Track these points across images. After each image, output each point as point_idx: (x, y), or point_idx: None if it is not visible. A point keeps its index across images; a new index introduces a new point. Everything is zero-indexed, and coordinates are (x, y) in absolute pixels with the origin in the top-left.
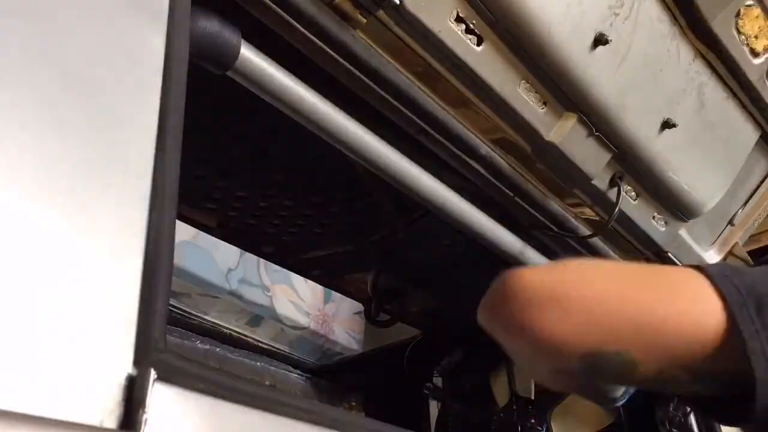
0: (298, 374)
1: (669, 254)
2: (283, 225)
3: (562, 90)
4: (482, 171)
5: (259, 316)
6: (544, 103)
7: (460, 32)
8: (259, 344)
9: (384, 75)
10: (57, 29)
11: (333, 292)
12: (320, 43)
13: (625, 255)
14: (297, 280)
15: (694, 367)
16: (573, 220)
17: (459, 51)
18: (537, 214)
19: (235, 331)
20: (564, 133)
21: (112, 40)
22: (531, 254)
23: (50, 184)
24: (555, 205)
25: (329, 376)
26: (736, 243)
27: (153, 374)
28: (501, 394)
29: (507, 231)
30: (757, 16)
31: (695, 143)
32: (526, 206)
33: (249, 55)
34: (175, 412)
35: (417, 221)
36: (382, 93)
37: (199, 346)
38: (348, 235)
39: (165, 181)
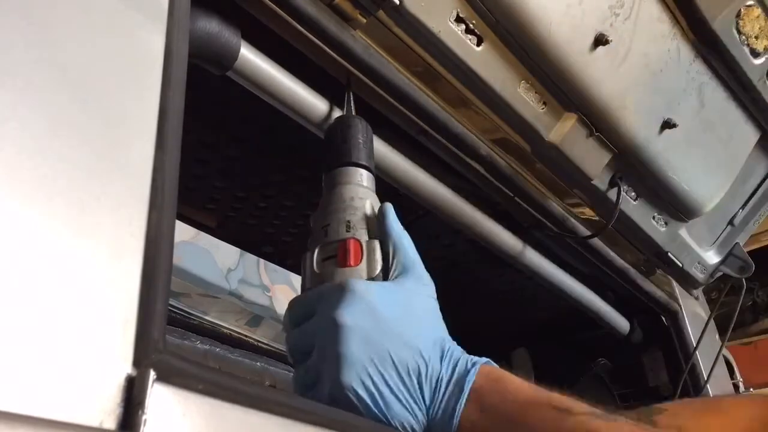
0: None
1: (669, 254)
2: (283, 225)
3: (562, 90)
4: (482, 171)
5: (259, 316)
6: (544, 103)
7: (460, 32)
8: (259, 344)
9: (384, 75)
10: (56, 29)
11: None
12: (320, 43)
13: (625, 255)
14: (297, 280)
15: None
16: (573, 220)
17: (459, 51)
18: (537, 214)
19: (235, 331)
20: (564, 133)
21: (112, 40)
22: (531, 254)
23: (50, 184)
24: (555, 205)
25: None
26: (737, 243)
27: (152, 375)
28: None
29: (507, 231)
30: (757, 16)
31: (695, 143)
32: (526, 206)
33: (249, 55)
34: (175, 413)
35: (417, 221)
36: (382, 93)
37: (199, 346)
38: None
39: (165, 181)
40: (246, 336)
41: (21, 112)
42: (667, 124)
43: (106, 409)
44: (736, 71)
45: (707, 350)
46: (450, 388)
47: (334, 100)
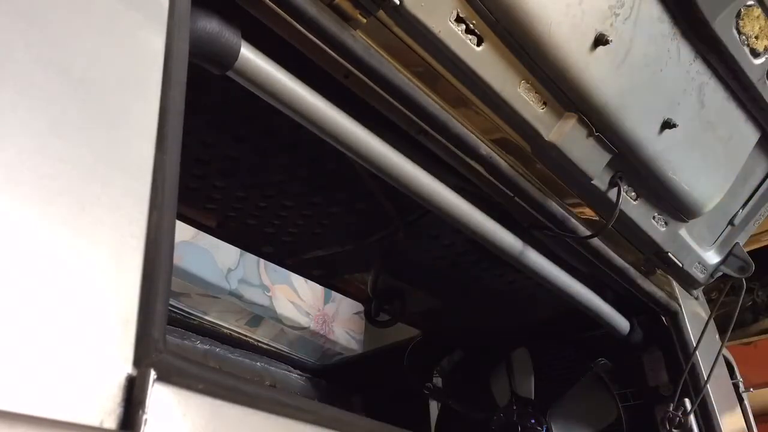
0: (298, 374)
1: (669, 254)
2: (283, 225)
3: (562, 90)
4: (482, 171)
5: (259, 316)
6: (544, 103)
7: (460, 32)
8: (259, 344)
9: (384, 75)
10: (57, 29)
11: (333, 292)
12: (320, 43)
13: (625, 255)
14: (297, 280)
15: None
16: (573, 220)
17: (459, 51)
18: (537, 214)
19: (235, 331)
20: (564, 133)
21: (112, 40)
22: (531, 254)
23: (50, 184)
24: (555, 205)
25: (329, 376)
26: (737, 243)
27: (153, 374)
28: (501, 394)
29: (507, 231)
30: (757, 17)
31: (695, 143)
32: (526, 206)
33: (249, 55)
34: (175, 413)
35: (417, 221)
36: (382, 93)
37: (199, 346)
38: (348, 235)
39: (165, 181)
40: (246, 336)
41: (21, 112)
42: (667, 124)
43: (107, 409)
44: (736, 71)
45: (707, 350)
46: None
47: (333, 99)
